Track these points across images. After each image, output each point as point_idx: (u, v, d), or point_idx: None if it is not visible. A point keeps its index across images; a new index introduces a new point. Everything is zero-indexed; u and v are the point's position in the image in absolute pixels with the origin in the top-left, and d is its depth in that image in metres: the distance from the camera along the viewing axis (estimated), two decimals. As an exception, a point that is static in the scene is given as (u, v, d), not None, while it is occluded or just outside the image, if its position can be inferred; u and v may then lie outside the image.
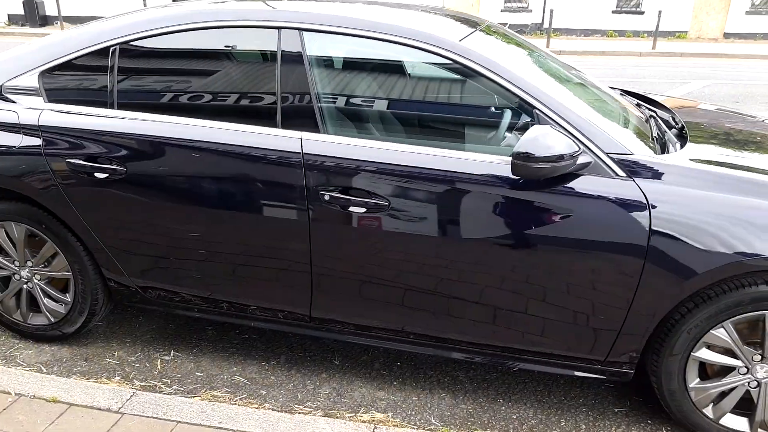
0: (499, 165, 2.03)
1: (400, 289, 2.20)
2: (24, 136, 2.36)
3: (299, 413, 2.29)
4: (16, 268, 2.58)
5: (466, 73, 2.13)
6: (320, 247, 2.18)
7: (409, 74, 2.43)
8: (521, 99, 2.05)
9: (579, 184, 1.97)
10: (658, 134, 2.39)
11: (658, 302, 1.99)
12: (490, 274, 2.08)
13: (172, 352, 2.66)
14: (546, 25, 17.97)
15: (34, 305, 2.65)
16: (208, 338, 2.77)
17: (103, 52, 2.38)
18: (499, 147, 2.25)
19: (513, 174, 1.92)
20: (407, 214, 2.08)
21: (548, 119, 2.02)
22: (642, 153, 2.02)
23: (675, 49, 16.28)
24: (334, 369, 2.57)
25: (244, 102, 2.29)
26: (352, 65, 2.30)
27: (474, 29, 2.40)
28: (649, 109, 2.82)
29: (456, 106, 2.44)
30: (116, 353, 2.65)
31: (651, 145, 2.16)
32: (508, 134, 2.35)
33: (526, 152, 1.86)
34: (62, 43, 2.45)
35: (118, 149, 2.28)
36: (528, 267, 2.04)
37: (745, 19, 19.18)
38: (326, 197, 2.12)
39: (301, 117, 2.19)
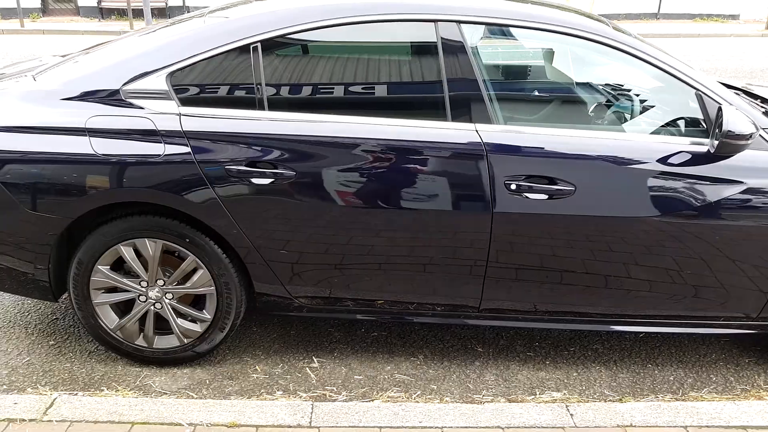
0: (688, 145, 2.18)
1: (578, 272, 2.28)
2: (166, 144, 2.15)
3: (486, 402, 2.33)
4: (143, 289, 2.35)
5: (626, 60, 2.25)
6: (501, 236, 2.22)
7: (560, 62, 2.51)
8: (690, 85, 2.20)
9: (748, 157, 2.17)
10: None
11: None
12: (680, 247, 2.22)
13: (315, 359, 2.56)
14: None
15: (158, 328, 2.44)
16: (339, 340, 2.70)
17: (243, 50, 2.22)
18: (654, 128, 2.39)
19: (717, 152, 2.08)
20: (594, 199, 2.18)
21: (713, 101, 2.19)
22: None
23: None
24: (482, 356, 2.62)
25: (407, 97, 2.25)
26: (510, 55, 2.34)
27: (605, 22, 2.52)
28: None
29: (610, 92, 2.55)
30: (257, 367, 2.51)
31: None
32: (643, 116, 2.51)
33: (736, 132, 2.02)
34: (192, 41, 2.25)
35: (283, 152, 2.15)
36: (713, 236, 2.21)
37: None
38: (512, 186, 2.16)
39: (472, 109, 2.20)
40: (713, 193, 2.17)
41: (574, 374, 2.52)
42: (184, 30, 2.36)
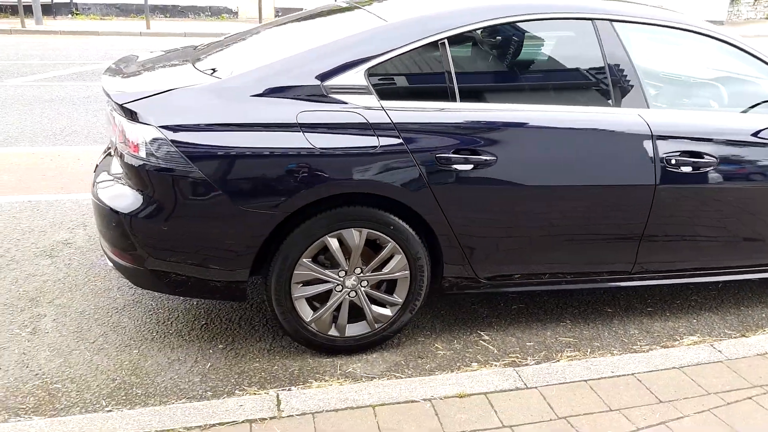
0: None
1: (716, 233, 2.70)
2: (380, 137, 2.25)
3: (644, 351, 2.67)
4: (341, 279, 2.41)
5: (733, 53, 2.71)
6: (661, 204, 2.57)
7: (681, 54, 2.90)
8: None
9: None
10: None
11: None
12: None
13: (482, 333, 2.75)
14: None
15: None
16: (488, 315, 2.90)
17: (432, 45, 2.37)
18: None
19: None
20: (742, 170, 2.61)
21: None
22: None
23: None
24: (615, 315, 2.97)
25: (576, 84, 2.53)
26: (650, 49, 2.70)
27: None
28: None
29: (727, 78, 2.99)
30: (436, 345, 2.65)
31: None
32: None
33: None
34: (383, 39, 2.35)
35: (482, 141, 2.33)
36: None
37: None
38: (672, 161, 2.52)
39: (632, 96, 2.53)
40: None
41: (694, 321, 2.95)
42: (364, 27, 2.44)
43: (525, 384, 2.36)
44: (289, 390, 2.30)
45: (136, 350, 2.51)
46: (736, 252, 2.79)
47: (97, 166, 2.73)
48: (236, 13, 16.91)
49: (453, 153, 2.31)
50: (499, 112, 2.38)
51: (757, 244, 2.80)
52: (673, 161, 2.52)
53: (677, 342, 2.76)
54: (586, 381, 2.40)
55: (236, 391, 2.31)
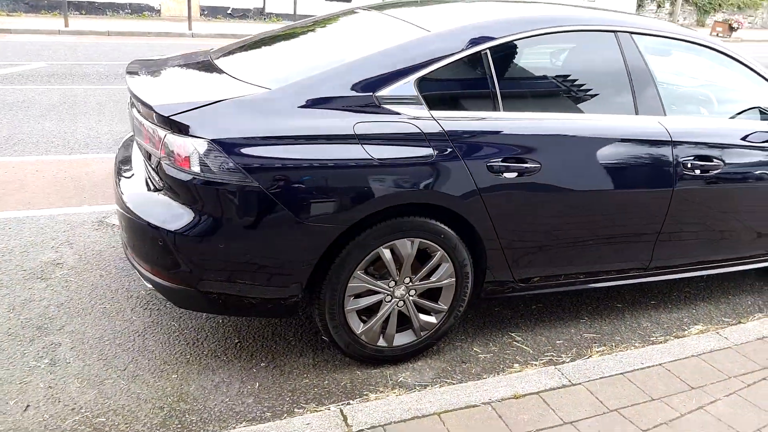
0: None
1: (723, 229, 2.93)
2: (434, 147, 2.26)
3: (662, 342, 2.84)
4: (390, 289, 2.40)
5: (729, 63, 2.95)
6: (676, 205, 2.75)
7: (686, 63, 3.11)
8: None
9: None
10: None
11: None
12: None
13: (513, 335, 2.83)
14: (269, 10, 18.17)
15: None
16: (512, 317, 2.99)
17: (475, 55, 2.42)
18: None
19: None
20: (742, 172, 2.85)
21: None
22: None
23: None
24: (625, 310, 3.15)
25: (604, 94, 2.66)
26: (668, 62, 2.88)
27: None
28: None
29: (718, 87, 3.21)
30: (475, 349, 2.70)
31: None
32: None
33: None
34: (429, 48, 2.37)
35: (526, 149, 2.40)
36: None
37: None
38: (689, 165, 2.70)
39: (651, 104, 2.69)
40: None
41: (693, 311, 3.18)
42: (407, 37, 2.44)
43: (570, 381, 2.45)
44: (348, 404, 2.26)
45: (175, 375, 2.38)
46: (732, 245, 3.05)
47: (119, 176, 2.55)
48: (159, 11, 16.18)
49: (502, 161, 2.37)
50: (540, 122, 2.46)
51: (756, 238, 3.08)
52: (689, 165, 2.71)
53: (686, 332, 2.97)
54: (622, 374, 2.53)
55: (295, 410, 2.25)
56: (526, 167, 2.40)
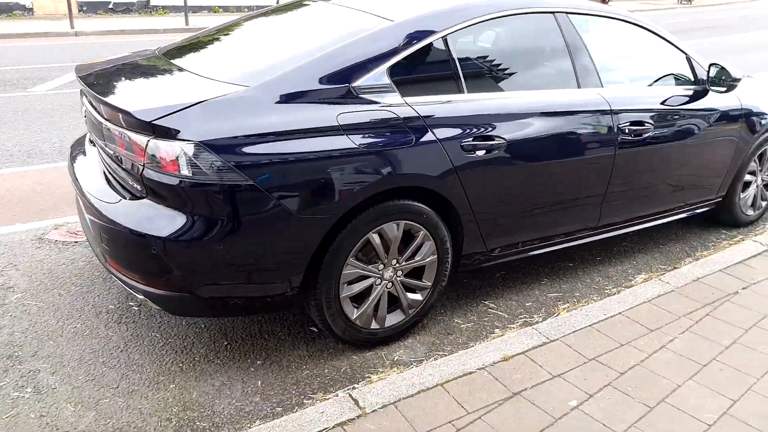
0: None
1: (654, 186, 3.25)
2: (413, 131, 2.34)
3: (615, 293, 3.13)
4: (380, 273, 2.47)
5: (645, 36, 3.27)
6: (617, 167, 3.02)
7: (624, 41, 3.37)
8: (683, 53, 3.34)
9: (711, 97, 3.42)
10: None
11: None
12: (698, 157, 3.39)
13: (486, 303, 3.00)
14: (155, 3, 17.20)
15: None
16: (480, 286, 3.17)
17: (438, 42, 2.52)
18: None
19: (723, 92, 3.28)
20: (666, 133, 3.16)
21: (694, 62, 3.37)
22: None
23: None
24: (578, 267, 3.42)
25: (550, 72, 2.86)
26: (598, 37, 3.11)
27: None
28: None
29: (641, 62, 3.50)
30: (456, 321, 2.83)
31: None
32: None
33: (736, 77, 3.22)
34: (394, 38, 2.45)
35: (493, 126, 2.55)
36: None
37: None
38: (626, 130, 2.98)
39: (590, 78, 2.94)
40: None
41: (634, 262, 3.52)
42: (371, 27, 2.49)
43: (548, 338, 2.66)
44: (354, 388, 2.33)
45: (173, 384, 2.32)
46: (660, 199, 3.40)
47: (84, 186, 2.42)
48: (31, 9, 14.87)
49: (472, 140, 2.50)
50: (501, 101, 2.62)
51: (681, 189, 3.45)
52: (626, 130, 2.99)
53: (632, 281, 3.29)
54: (590, 326, 2.78)
55: (304, 401, 2.28)
56: (493, 144, 2.55)
